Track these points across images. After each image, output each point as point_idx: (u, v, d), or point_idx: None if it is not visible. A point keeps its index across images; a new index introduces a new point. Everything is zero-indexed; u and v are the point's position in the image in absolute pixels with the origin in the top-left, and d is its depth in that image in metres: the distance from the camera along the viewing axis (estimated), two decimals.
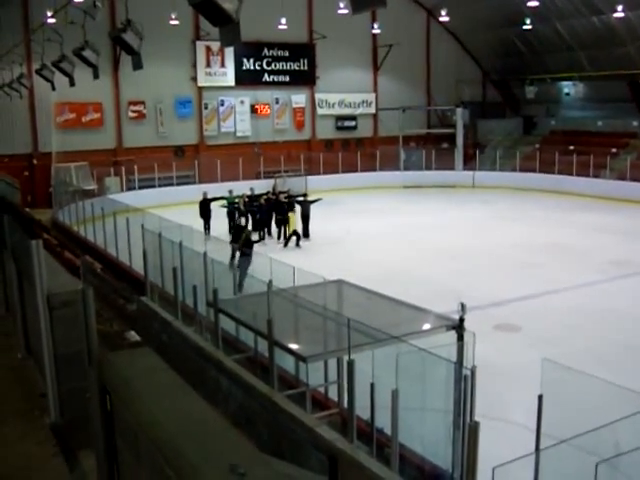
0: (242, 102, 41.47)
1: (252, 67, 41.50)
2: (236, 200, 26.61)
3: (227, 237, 24.91)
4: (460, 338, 8.69)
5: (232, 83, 40.97)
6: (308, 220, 26.56)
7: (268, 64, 41.99)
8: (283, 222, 26.25)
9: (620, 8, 33.09)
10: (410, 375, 7.88)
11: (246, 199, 26.81)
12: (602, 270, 21.10)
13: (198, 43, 39.24)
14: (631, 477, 6.64)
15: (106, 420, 4.25)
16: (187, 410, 3.60)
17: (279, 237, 26.21)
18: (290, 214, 26.18)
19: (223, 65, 40.44)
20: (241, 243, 20.12)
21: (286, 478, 2.94)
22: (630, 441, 5.81)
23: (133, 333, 13.13)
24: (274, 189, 31.53)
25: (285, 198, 27.06)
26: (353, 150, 43.57)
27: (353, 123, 45.63)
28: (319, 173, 40.51)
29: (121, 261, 20.14)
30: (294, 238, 25.70)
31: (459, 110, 44.36)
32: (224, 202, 26.75)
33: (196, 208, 27.30)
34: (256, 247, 23.49)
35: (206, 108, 40.44)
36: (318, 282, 11.28)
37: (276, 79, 42.50)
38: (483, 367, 8.09)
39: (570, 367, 7.12)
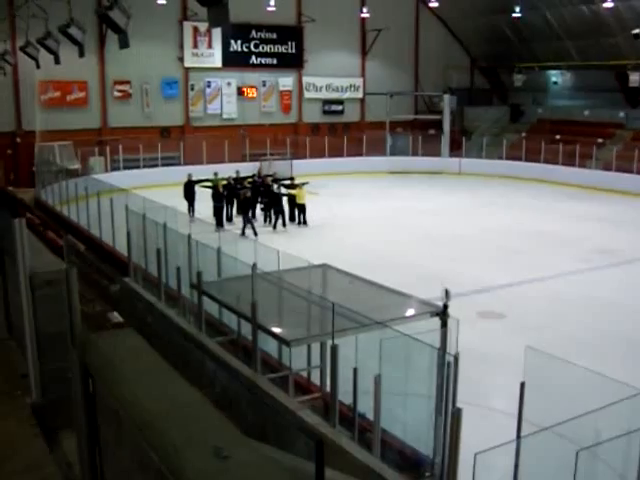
0: (229, 84, 41.22)
1: (239, 49, 41.23)
2: (222, 183, 26.53)
3: (211, 219, 24.92)
4: (444, 324, 8.70)
5: (219, 64, 40.69)
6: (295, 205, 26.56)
7: (256, 46, 41.72)
8: (269, 205, 26.20)
9: None
10: (393, 361, 7.88)
11: (232, 181, 26.74)
12: (587, 259, 21.21)
13: (185, 23, 38.91)
14: (611, 465, 6.69)
15: (88, 401, 4.22)
16: (170, 392, 3.58)
17: (265, 220, 26.16)
18: (298, 189, 26.14)
19: (210, 46, 40.14)
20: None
21: (270, 461, 2.92)
22: (611, 429, 5.85)
23: (116, 314, 13.07)
24: (259, 172, 31.46)
25: (271, 181, 27.03)
26: (340, 134, 43.48)
27: (340, 107, 45.47)
28: (305, 157, 40.47)
29: (104, 242, 20.02)
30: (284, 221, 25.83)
31: (446, 96, 44.33)
32: (209, 184, 26.64)
33: (181, 190, 27.17)
34: (241, 230, 23.68)
35: (192, 89, 40.17)
36: (303, 266, 11.25)
37: (263, 61, 42.26)
38: (466, 354, 8.10)
39: (553, 355, 7.14)
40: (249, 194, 25.36)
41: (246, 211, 24.95)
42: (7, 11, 31.67)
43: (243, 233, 23.99)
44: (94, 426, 4.20)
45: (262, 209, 26.30)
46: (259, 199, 26.32)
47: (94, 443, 4.25)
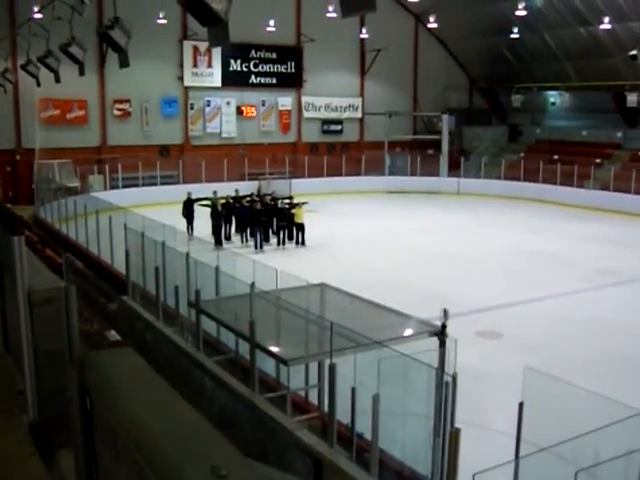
0: (228, 103, 41.38)
1: (239, 68, 41.43)
2: (221, 201, 26.58)
3: (210, 238, 24.95)
4: (442, 344, 8.68)
5: (219, 84, 40.88)
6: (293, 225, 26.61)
7: (255, 66, 41.93)
8: (267, 224, 26.27)
9: (607, 20, 33.33)
10: (391, 380, 7.86)
11: (230, 200, 26.79)
12: (585, 279, 21.21)
13: (185, 43, 39.13)
14: None
15: (85, 419, 4.20)
16: (168, 410, 3.56)
17: (265, 239, 26.18)
18: (297, 208, 26.23)
19: (210, 65, 40.35)
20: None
21: None
22: (610, 450, 5.82)
23: (114, 332, 13.06)
24: (259, 191, 31.52)
25: (270, 200, 27.11)
26: (338, 154, 43.60)
27: (339, 127, 45.63)
28: (304, 176, 40.54)
29: (103, 260, 20.01)
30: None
31: (445, 117, 44.46)
32: (207, 202, 26.68)
33: (180, 208, 27.17)
34: (239, 249, 23.74)
35: (192, 108, 40.32)
36: (301, 285, 11.24)
37: (263, 81, 42.46)
38: (465, 374, 8.07)
39: (552, 375, 7.13)
40: (259, 206, 25.64)
41: (257, 223, 25.23)
42: (9, 30, 31.86)
43: (261, 246, 24.85)
44: (91, 444, 4.18)
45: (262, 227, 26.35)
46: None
47: (91, 461, 4.23)
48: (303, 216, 26.12)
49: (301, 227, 25.99)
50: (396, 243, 26.69)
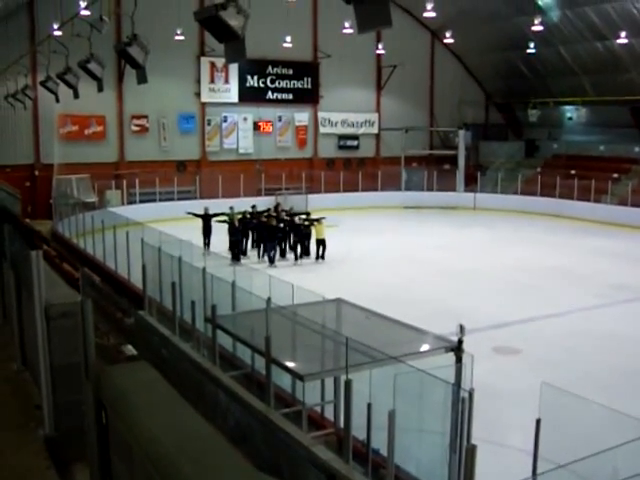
0: (245, 119, 41.57)
1: (256, 84, 41.65)
2: (238, 217, 26.68)
3: (226, 253, 25.01)
4: (458, 360, 8.64)
5: (235, 100, 41.11)
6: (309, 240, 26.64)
7: (272, 82, 42.13)
8: (283, 240, 26.34)
9: (623, 34, 33.28)
10: (407, 396, 7.82)
11: (248, 215, 26.91)
12: (602, 294, 21.07)
13: (203, 59, 39.40)
14: None
15: (101, 434, 4.22)
16: (184, 426, 3.57)
17: (281, 255, 26.23)
18: (317, 224, 26.23)
19: (227, 81, 40.58)
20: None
21: None
22: (628, 468, 5.76)
23: (130, 347, 13.09)
24: (275, 207, 31.59)
25: (286, 216, 27.17)
26: (355, 169, 43.66)
27: (355, 142, 45.70)
28: (320, 192, 40.59)
29: (120, 274, 20.09)
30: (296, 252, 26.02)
31: (461, 132, 44.47)
32: (225, 218, 26.76)
33: (197, 223, 27.23)
34: (256, 265, 23.79)
35: (209, 124, 40.53)
36: (317, 301, 11.23)
37: (280, 97, 42.65)
38: (481, 390, 8.03)
39: (569, 391, 7.07)
40: (274, 222, 25.76)
41: (272, 239, 25.33)
42: (29, 47, 32.22)
43: (272, 261, 24.86)
44: (107, 458, 4.19)
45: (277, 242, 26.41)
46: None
47: (107, 475, 4.24)
48: (324, 232, 26.12)
49: (322, 243, 25.99)
50: (412, 258, 26.64)
